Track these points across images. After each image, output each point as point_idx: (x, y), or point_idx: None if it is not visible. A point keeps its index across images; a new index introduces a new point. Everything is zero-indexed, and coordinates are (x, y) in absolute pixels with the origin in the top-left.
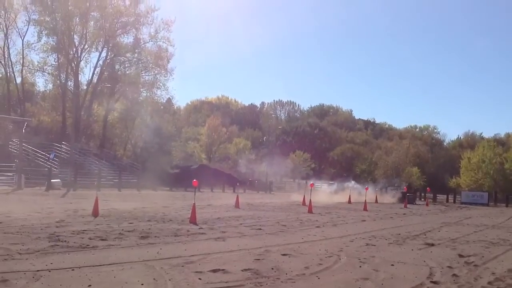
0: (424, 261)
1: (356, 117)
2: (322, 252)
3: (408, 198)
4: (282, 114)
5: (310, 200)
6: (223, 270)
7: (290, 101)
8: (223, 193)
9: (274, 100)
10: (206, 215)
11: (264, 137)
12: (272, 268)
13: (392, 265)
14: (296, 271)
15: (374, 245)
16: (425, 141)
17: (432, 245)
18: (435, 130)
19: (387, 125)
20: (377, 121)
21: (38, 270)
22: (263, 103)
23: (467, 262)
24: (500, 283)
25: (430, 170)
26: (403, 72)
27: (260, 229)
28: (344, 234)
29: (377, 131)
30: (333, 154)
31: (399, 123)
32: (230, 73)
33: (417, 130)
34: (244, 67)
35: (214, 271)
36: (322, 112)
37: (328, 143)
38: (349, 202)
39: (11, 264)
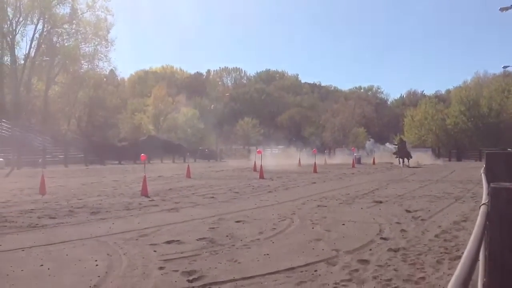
0: (374, 219)
1: (303, 81)
2: (275, 216)
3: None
4: (228, 81)
5: (261, 166)
6: (177, 241)
7: (236, 67)
8: (174, 163)
9: (220, 67)
10: (158, 187)
11: (212, 105)
12: (227, 236)
13: (343, 224)
14: (251, 237)
15: (325, 206)
16: (369, 101)
17: (380, 202)
18: (379, 90)
19: (332, 88)
20: (323, 84)
21: None
22: (209, 70)
23: (414, 217)
24: (446, 235)
25: (375, 130)
26: (346, 32)
27: (213, 197)
28: (296, 197)
29: (323, 94)
30: (281, 119)
31: (344, 85)
32: (173, 41)
33: (362, 91)
34: (187, 34)
35: (169, 242)
36: (268, 77)
37: (276, 108)
38: (299, 165)
39: None
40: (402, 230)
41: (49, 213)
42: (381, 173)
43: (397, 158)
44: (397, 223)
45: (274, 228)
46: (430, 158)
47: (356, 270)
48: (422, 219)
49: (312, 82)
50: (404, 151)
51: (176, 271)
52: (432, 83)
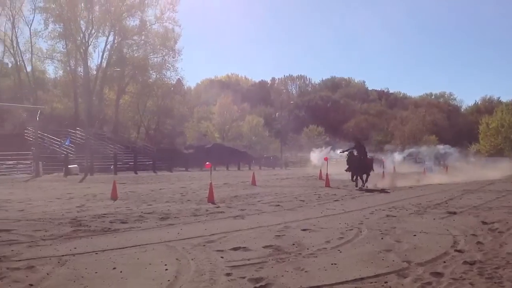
0: (447, 230)
1: (369, 88)
2: (342, 225)
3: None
4: (293, 89)
5: (327, 174)
6: (244, 248)
7: (300, 75)
8: (239, 171)
9: (284, 75)
10: (224, 194)
11: (277, 113)
12: (293, 244)
13: (415, 235)
14: (317, 246)
15: (395, 216)
16: (441, 108)
17: (454, 213)
18: (451, 97)
19: (401, 94)
20: (391, 91)
21: (62, 255)
22: (273, 78)
23: (491, 229)
24: None
25: (448, 137)
26: (415, 39)
27: (278, 205)
28: (363, 206)
29: (391, 101)
30: (347, 126)
31: (414, 91)
32: (238, 50)
33: (433, 97)
34: (251, 43)
35: (235, 249)
36: (334, 84)
37: (342, 116)
38: None
39: (36, 250)
40: (478, 243)
41: (121, 218)
42: (455, 183)
43: (350, 173)
44: (473, 235)
45: (341, 237)
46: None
47: (429, 283)
48: (499, 232)
49: (379, 89)
50: (358, 161)
51: (243, 277)
52: (509, 90)
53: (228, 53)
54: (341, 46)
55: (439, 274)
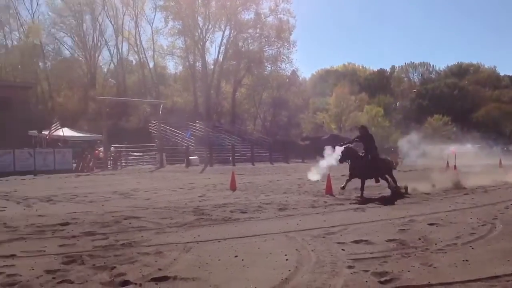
0: None
1: (501, 74)
2: (473, 220)
3: None
4: (415, 77)
5: (455, 166)
6: (366, 241)
7: (423, 62)
8: None
9: (405, 63)
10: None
11: (397, 103)
12: (419, 239)
13: None
14: (446, 241)
15: None
16: None
17: None
18: None
19: None
20: None
21: (187, 242)
22: (393, 66)
23: None
24: None
25: None
26: None
27: (403, 198)
28: (497, 200)
29: None
30: (477, 115)
31: None
32: (354, 39)
33: None
34: (368, 32)
35: (357, 242)
36: (460, 71)
37: (470, 104)
38: (500, 165)
39: (163, 237)
40: None
41: (240, 208)
42: None
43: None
44: None
45: (473, 233)
46: None
47: None
48: None
49: None
50: (363, 161)
51: (366, 271)
52: None
53: (344, 43)
54: (468, 28)
55: None
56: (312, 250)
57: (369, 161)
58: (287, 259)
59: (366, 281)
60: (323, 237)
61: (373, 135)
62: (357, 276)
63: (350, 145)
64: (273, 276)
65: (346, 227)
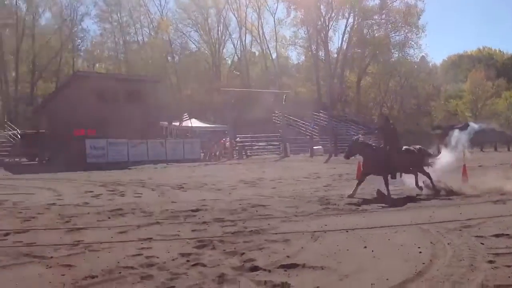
0: None
1: None
2: None
3: None
4: None
5: None
6: (507, 235)
7: None
8: (495, 152)
9: None
10: (479, 176)
11: None
12: None
13: None
14: None
15: None
16: None
17: None
18: None
19: None
20: None
21: (314, 231)
22: None
23: None
24: None
25: None
26: None
27: None
28: None
29: None
30: None
31: None
32: (489, 20)
33: None
34: (505, 11)
35: (498, 235)
36: None
37: None
38: None
39: (290, 225)
40: None
41: (367, 198)
42: None
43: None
44: None
45: None
46: None
47: None
48: None
49: None
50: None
51: (509, 266)
52: None
53: (478, 25)
54: None
55: None
56: (448, 243)
57: (389, 153)
58: (420, 252)
59: (509, 277)
60: (460, 230)
61: (394, 127)
62: (498, 271)
63: (360, 137)
64: (406, 269)
65: (485, 220)
